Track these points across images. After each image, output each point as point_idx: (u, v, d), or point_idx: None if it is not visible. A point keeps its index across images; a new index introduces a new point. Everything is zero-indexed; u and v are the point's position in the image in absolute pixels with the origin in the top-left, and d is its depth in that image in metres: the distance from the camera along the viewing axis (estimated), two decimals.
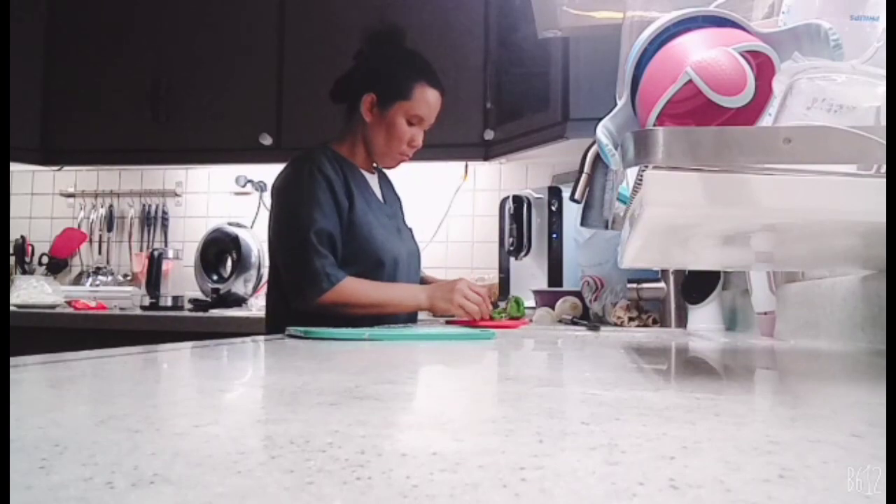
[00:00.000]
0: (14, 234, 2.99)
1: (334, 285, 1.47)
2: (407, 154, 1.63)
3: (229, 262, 2.68)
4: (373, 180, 1.68)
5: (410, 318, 1.71)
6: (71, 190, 3.05)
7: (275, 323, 1.50)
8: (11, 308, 2.43)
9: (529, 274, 2.23)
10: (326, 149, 1.60)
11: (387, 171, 1.77)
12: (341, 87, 1.67)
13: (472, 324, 1.53)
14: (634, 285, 1.88)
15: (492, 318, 1.58)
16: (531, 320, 1.95)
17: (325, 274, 1.46)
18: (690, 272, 1.74)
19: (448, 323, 1.78)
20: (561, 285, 2.18)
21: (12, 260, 2.95)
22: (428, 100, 1.59)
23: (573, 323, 1.88)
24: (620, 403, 0.47)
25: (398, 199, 1.79)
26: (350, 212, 1.53)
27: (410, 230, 1.82)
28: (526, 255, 2.27)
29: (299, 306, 1.47)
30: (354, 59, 1.67)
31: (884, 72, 0.54)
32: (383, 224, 1.61)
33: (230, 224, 2.74)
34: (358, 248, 1.53)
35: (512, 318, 1.66)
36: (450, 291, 1.52)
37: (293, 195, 1.52)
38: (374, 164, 1.70)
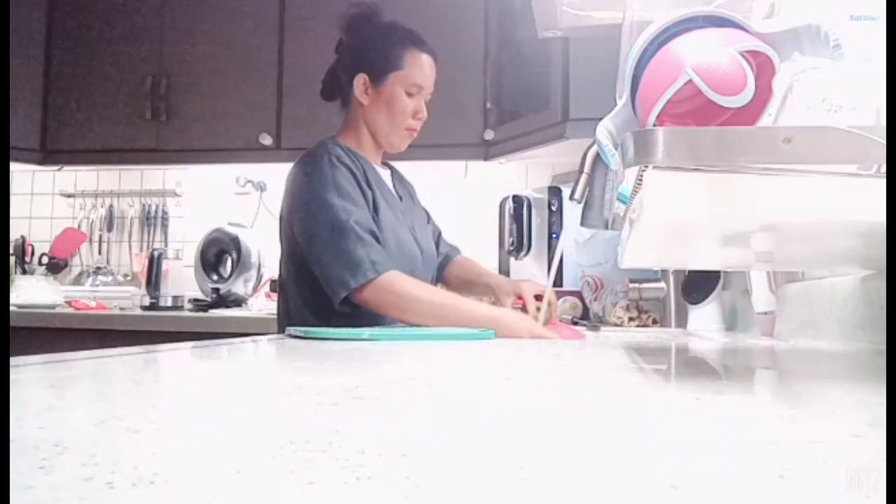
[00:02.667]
0: (14, 234, 2.99)
1: (380, 275, 1.32)
2: (414, 128, 1.53)
3: (229, 262, 2.68)
4: (386, 176, 1.60)
5: None
6: (71, 190, 3.05)
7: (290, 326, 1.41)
8: (11, 308, 2.43)
9: (529, 274, 2.23)
10: (336, 141, 1.52)
11: (397, 166, 1.72)
12: (330, 82, 1.61)
13: None
14: (634, 285, 1.88)
15: None
16: (575, 322, 1.88)
17: (370, 261, 1.32)
18: (690, 272, 1.74)
19: None
20: (561, 285, 2.18)
21: (12, 260, 2.95)
22: (421, 65, 1.51)
23: (573, 323, 1.88)
24: (621, 403, 0.47)
25: (412, 195, 1.72)
26: (374, 203, 1.46)
27: (429, 217, 1.76)
28: (526, 255, 2.27)
29: (350, 296, 1.33)
30: (336, 52, 1.60)
31: (884, 72, 0.54)
32: (401, 221, 1.53)
33: (230, 224, 2.74)
34: (382, 245, 1.42)
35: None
36: (517, 331, 1.26)
37: (319, 186, 1.40)
38: (384, 162, 1.63)
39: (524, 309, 1.51)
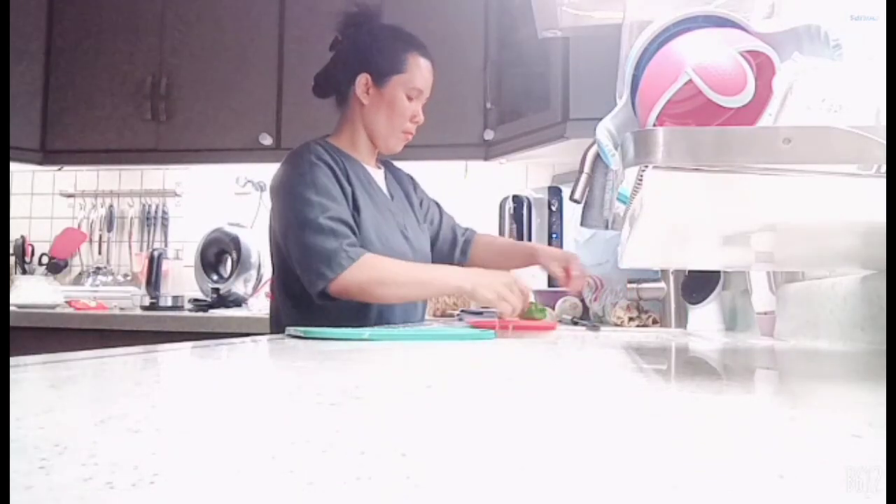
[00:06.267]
0: (14, 234, 2.99)
1: (355, 261, 1.35)
2: (410, 131, 1.57)
3: (229, 262, 2.69)
4: (378, 175, 1.62)
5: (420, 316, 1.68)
6: (71, 190, 3.05)
7: (279, 328, 1.42)
8: (11, 308, 2.43)
9: (529, 274, 2.23)
10: (321, 141, 1.55)
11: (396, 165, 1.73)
12: (324, 80, 1.62)
13: (486, 325, 1.45)
14: (634, 285, 1.88)
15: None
16: (560, 322, 1.89)
17: (343, 251, 1.36)
18: (690, 272, 1.74)
19: (465, 313, 1.74)
20: None
21: (12, 260, 2.95)
22: (423, 71, 1.55)
23: (573, 323, 1.88)
24: (620, 403, 0.47)
25: (409, 195, 1.71)
26: (354, 201, 1.47)
27: (440, 219, 1.76)
28: None
29: (327, 289, 1.36)
30: (332, 49, 1.61)
31: (884, 72, 0.54)
32: (388, 219, 1.54)
33: (230, 224, 2.74)
34: (361, 244, 1.43)
35: (529, 319, 1.50)
36: (497, 284, 1.36)
37: (297, 185, 1.43)
38: (378, 161, 1.64)
39: None
